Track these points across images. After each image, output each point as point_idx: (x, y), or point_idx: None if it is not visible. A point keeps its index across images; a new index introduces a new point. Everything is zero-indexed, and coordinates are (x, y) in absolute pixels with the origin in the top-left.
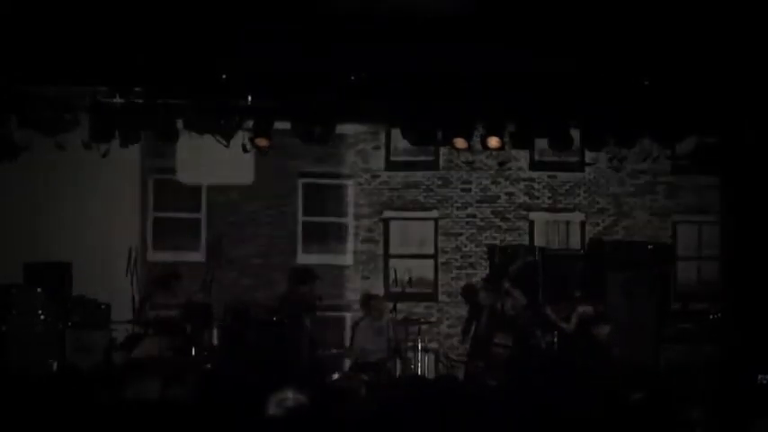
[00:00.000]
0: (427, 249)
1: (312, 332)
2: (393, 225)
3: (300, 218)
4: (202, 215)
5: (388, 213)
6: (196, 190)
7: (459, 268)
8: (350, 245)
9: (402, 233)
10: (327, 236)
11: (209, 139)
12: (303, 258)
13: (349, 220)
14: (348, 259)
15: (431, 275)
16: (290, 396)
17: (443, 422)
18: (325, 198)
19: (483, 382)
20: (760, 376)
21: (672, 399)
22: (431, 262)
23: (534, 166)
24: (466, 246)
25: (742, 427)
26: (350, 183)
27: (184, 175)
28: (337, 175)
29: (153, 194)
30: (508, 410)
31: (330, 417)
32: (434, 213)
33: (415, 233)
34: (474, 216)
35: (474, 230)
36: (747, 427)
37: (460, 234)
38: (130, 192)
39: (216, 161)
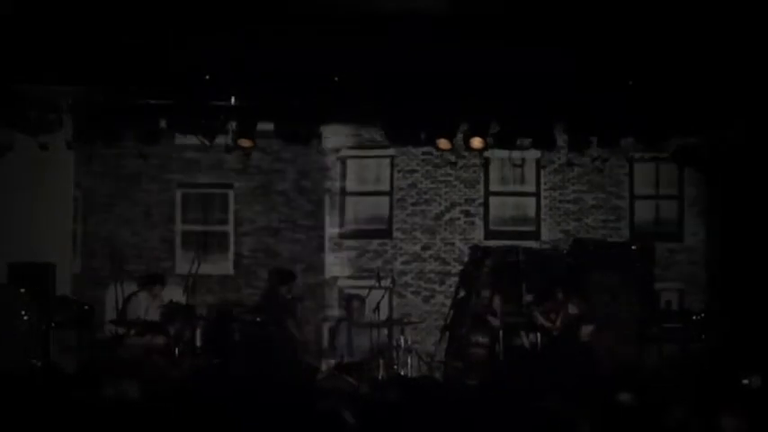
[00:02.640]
0: None
1: (294, 332)
2: None
3: None
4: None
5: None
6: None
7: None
8: None
9: None
10: None
11: None
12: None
13: None
14: None
15: None
16: None
17: (423, 422)
18: None
19: (461, 383)
20: (744, 380)
21: (655, 399)
22: None
23: None
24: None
25: (723, 427)
26: None
27: None
28: None
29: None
30: (489, 411)
31: (314, 416)
32: None
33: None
34: None
35: None
36: (726, 426)
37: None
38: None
39: None
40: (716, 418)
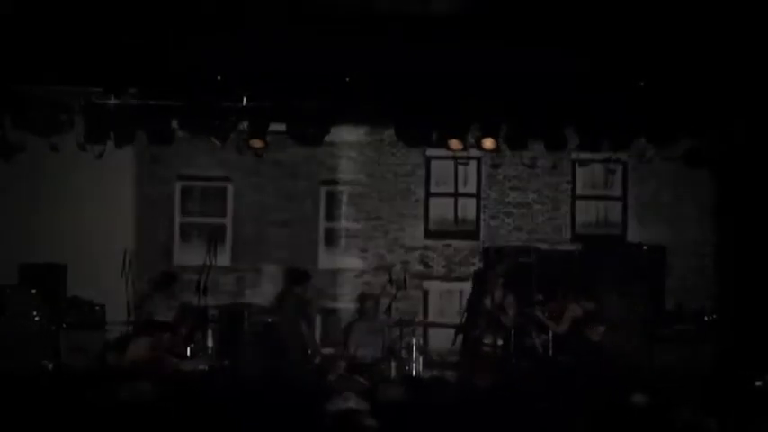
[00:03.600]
0: None
1: (308, 333)
2: None
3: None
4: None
5: None
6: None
7: None
8: None
9: None
10: None
11: None
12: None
13: None
14: None
15: None
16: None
17: (434, 423)
18: None
19: (472, 383)
20: (757, 382)
21: (666, 400)
22: None
23: None
24: None
25: (737, 429)
26: None
27: None
28: None
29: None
30: (500, 411)
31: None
32: None
33: None
34: None
35: None
36: (743, 430)
37: None
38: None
39: None
40: (726, 420)
